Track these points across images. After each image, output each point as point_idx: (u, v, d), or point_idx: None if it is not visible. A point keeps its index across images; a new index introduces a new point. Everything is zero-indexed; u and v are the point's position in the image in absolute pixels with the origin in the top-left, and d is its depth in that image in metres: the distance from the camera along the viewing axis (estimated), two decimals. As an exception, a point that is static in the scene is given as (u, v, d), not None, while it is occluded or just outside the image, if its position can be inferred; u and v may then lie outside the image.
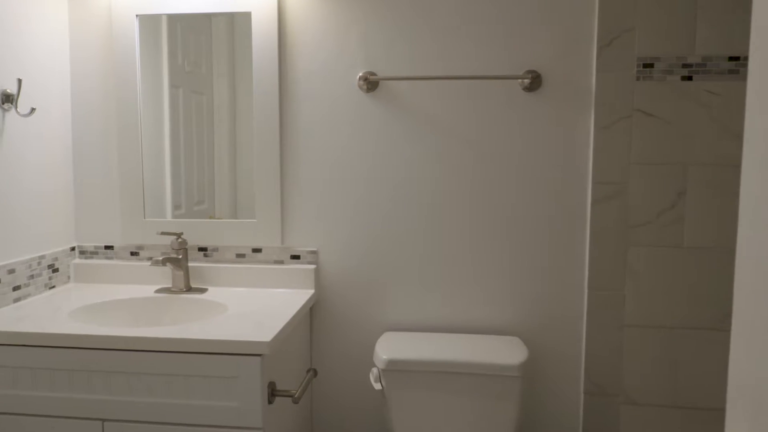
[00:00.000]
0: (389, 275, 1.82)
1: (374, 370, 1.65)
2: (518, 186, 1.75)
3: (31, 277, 1.71)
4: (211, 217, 1.87)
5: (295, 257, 1.84)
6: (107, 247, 1.91)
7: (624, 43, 1.65)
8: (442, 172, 1.77)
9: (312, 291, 1.80)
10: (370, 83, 1.75)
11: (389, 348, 1.65)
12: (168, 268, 1.81)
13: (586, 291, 1.74)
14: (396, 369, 1.59)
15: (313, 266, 1.82)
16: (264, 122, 1.79)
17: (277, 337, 1.40)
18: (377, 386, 1.61)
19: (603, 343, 1.73)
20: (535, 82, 1.70)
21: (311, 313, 1.86)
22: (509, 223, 1.76)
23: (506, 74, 1.70)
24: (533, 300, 1.78)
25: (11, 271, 1.63)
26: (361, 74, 1.75)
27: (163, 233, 1.78)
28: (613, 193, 1.69)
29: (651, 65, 1.65)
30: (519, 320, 1.79)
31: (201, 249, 1.87)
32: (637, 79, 1.65)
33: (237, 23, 1.78)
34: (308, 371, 1.68)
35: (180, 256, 1.77)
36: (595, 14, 1.66)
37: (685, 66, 1.64)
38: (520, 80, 1.71)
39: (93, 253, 1.92)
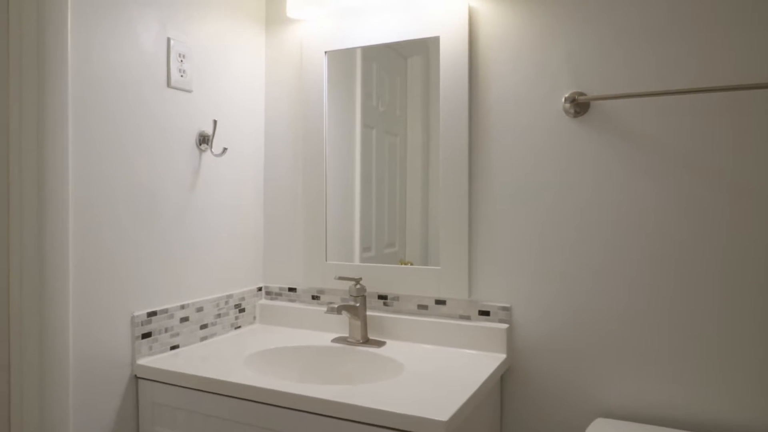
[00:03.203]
0: (604, 344, 1.44)
1: (582, 468, 1.28)
2: (797, 234, 1.25)
3: (218, 315, 1.71)
4: (401, 262, 1.69)
5: (484, 313, 1.56)
6: (290, 289, 1.85)
7: None
8: (679, 216, 1.36)
9: (504, 356, 1.50)
10: (579, 105, 1.44)
11: (604, 442, 1.26)
12: (346, 316, 1.68)
13: None
14: (614, 474, 1.20)
15: (505, 326, 1.53)
16: (451, 157, 1.58)
17: (458, 415, 1.13)
18: (587, 492, 1.24)
19: None
20: (823, 88, 1.22)
21: (502, 384, 1.55)
22: (783, 286, 1.27)
23: (776, 81, 1.25)
24: (826, 398, 1.24)
25: (199, 309, 1.64)
26: (567, 95, 1.45)
27: (340, 278, 1.65)
28: None
29: None
30: (803, 426, 1.25)
31: (381, 297, 1.70)
32: None
33: (432, 63, 1.63)
34: (496, 458, 1.37)
35: (357, 304, 1.62)
36: None
37: None
38: (798, 88, 1.24)
39: (278, 295, 1.88)
